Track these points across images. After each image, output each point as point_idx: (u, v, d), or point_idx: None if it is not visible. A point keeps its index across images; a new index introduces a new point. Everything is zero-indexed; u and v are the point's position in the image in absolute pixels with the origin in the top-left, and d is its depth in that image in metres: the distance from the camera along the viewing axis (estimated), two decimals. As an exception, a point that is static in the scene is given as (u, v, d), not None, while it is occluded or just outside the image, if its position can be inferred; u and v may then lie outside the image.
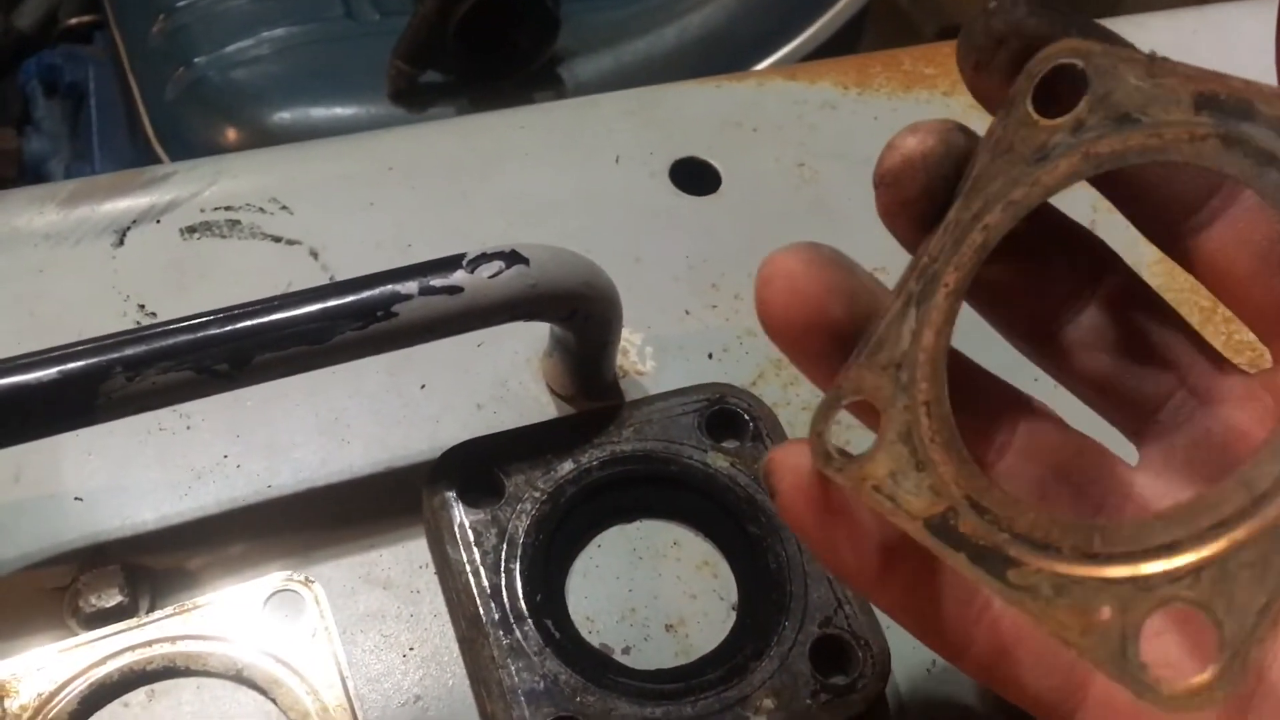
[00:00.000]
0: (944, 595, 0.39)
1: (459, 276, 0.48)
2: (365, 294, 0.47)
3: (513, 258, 0.49)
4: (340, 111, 1.27)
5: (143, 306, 0.58)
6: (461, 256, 0.49)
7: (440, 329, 0.49)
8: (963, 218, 0.36)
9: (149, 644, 0.48)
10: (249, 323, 0.46)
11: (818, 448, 0.37)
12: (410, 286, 0.48)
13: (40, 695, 0.47)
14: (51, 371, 0.44)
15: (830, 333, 0.38)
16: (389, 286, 0.47)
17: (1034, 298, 0.41)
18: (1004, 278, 0.41)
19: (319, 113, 1.26)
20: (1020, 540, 0.34)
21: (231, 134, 1.22)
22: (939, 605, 0.39)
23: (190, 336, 0.45)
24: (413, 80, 1.20)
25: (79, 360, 0.44)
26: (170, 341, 0.45)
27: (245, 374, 0.46)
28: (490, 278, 0.48)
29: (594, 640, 0.51)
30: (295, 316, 0.46)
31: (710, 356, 0.61)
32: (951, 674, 0.53)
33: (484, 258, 0.49)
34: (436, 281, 0.48)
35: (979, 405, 0.40)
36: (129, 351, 0.44)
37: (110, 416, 0.45)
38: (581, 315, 0.52)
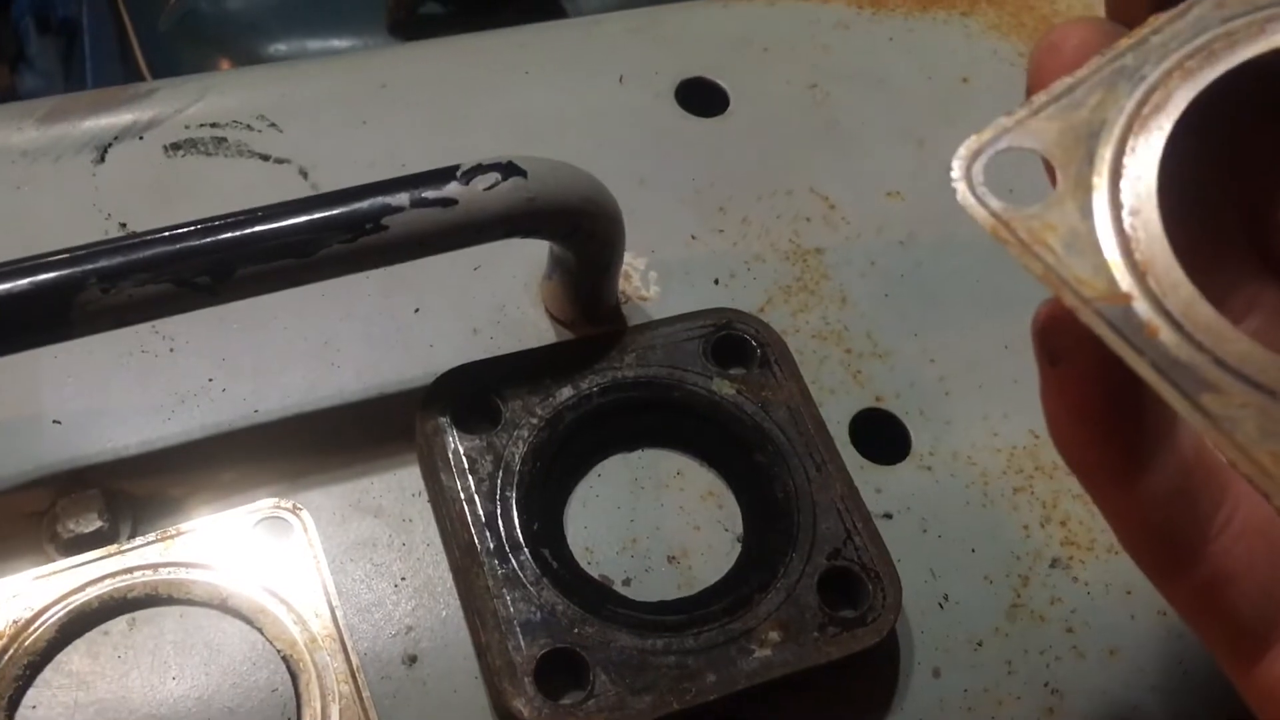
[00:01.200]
0: (1192, 500, 0.33)
1: (453, 188, 0.46)
2: (354, 205, 0.45)
3: (510, 169, 0.46)
4: (336, 43, 1.24)
5: (124, 225, 0.56)
6: (455, 168, 0.46)
7: (432, 243, 0.46)
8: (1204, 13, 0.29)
9: (130, 571, 0.46)
10: (231, 234, 0.44)
11: (966, 186, 0.30)
12: (401, 198, 0.45)
13: (15, 623, 0.45)
14: (23, 283, 0.41)
15: None
16: (379, 198, 0.45)
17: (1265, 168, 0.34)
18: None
19: (315, 44, 1.23)
20: (1226, 370, 0.27)
21: (225, 65, 1.19)
22: (1178, 511, 0.33)
23: (169, 248, 0.43)
24: (411, 10, 1.17)
25: (52, 271, 0.42)
26: (148, 253, 0.43)
27: (227, 288, 0.44)
28: (486, 190, 0.46)
29: (593, 571, 0.49)
30: (280, 228, 0.44)
31: (716, 282, 0.58)
32: (964, 610, 0.51)
33: (479, 169, 0.46)
34: (429, 193, 0.45)
35: (1218, 259, 0.33)
36: (104, 263, 0.42)
37: (86, 331, 0.42)
38: (583, 233, 0.49)
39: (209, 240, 0.43)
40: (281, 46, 1.23)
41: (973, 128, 0.68)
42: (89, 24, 1.49)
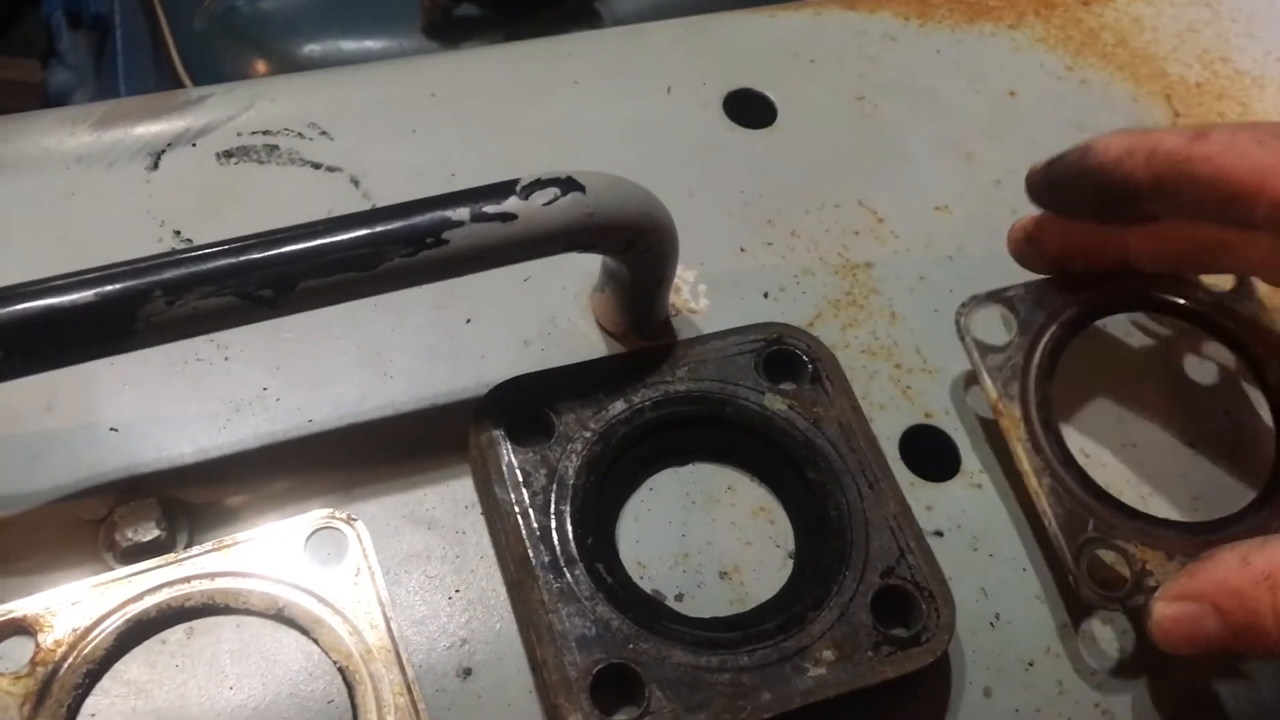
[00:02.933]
0: None
1: (512, 203, 0.46)
2: (415, 219, 0.45)
3: (569, 184, 0.46)
4: (371, 44, 1.24)
5: (178, 232, 0.56)
6: (515, 182, 0.46)
7: (492, 258, 0.46)
8: None
9: (187, 580, 0.46)
10: (294, 247, 0.44)
11: None
12: (462, 213, 0.45)
13: (75, 631, 0.45)
14: (88, 294, 0.41)
15: None
16: (440, 212, 0.45)
17: None
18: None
19: (350, 45, 1.23)
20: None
21: (261, 65, 1.19)
22: None
23: (233, 260, 0.43)
24: (447, 13, 1.17)
25: (118, 282, 0.42)
26: (212, 265, 0.43)
27: (289, 301, 0.44)
28: (545, 205, 0.46)
29: (646, 586, 0.49)
30: (342, 241, 0.44)
31: (766, 295, 0.58)
32: (1016, 630, 0.51)
33: (538, 184, 0.46)
34: (489, 208, 0.45)
35: None
36: (169, 274, 0.42)
37: (149, 342, 0.43)
38: (639, 247, 0.49)
39: (272, 253, 0.43)
40: (316, 47, 1.23)
41: (1020, 142, 0.68)
42: (121, 20, 1.49)
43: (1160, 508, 0.54)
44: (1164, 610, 0.46)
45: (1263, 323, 0.55)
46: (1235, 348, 0.56)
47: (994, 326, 0.55)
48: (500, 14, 1.17)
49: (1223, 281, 0.56)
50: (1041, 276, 0.56)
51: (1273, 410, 0.55)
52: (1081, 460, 0.52)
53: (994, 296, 0.55)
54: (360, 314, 0.53)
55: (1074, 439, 0.55)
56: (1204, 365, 0.58)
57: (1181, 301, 0.56)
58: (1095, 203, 0.52)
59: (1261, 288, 0.56)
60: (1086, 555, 0.50)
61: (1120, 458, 0.55)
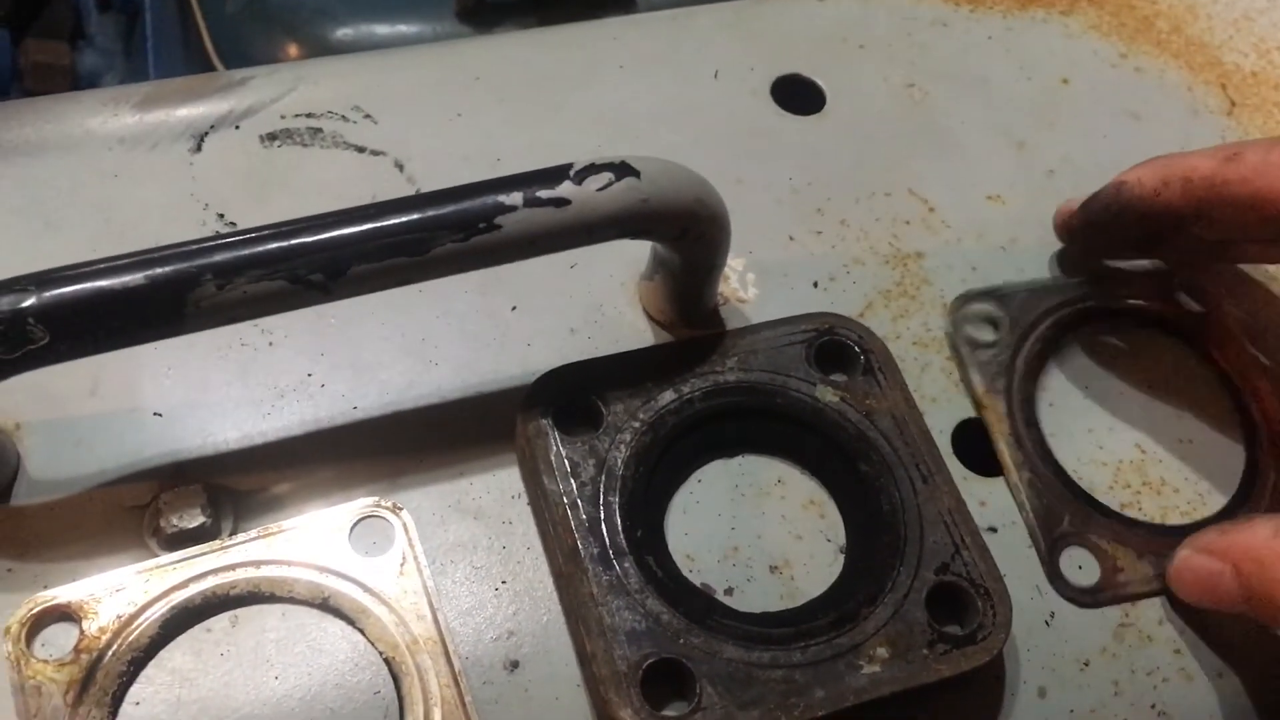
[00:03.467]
0: None
1: (566, 188, 0.45)
2: (467, 204, 0.44)
3: (623, 170, 0.45)
4: (405, 29, 1.23)
5: (222, 215, 0.55)
6: (568, 167, 0.45)
7: (545, 244, 0.45)
8: None
9: (232, 568, 0.46)
10: (345, 230, 0.43)
11: None
12: (515, 197, 0.44)
13: (120, 618, 0.44)
14: (138, 276, 0.41)
15: None
16: (492, 197, 0.44)
17: None
18: None
19: (383, 29, 1.22)
20: None
21: (293, 49, 1.18)
22: None
23: (284, 244, 0.42)
24: (482, -3, 1.16)
25: (168, 265, 0.41)
26: (263, 248, 0.42)
27: (340, 286, 0.43)
28: (599, 190, 0.45)
29: (695, 579, 0.48)
30: (394, 226, 0.43)
31: (815, 285, 0.57)
32: (1071, 629, 0.50)
33: (592, 169, 0.45)
34: (542, 193, 0.45)
35: None
36: (219, 258, 0.41)
37: (199, 326, 0.42)
38: (692, 235, 0.48)
39: (323, 237, 0.43)
40: (349, 31, 1.23)
41: (1074, 131, 0.67)
42: (151, 3, 1.48)
43: (1133, 509, 0.53)
44: (1187, 559, 0.48)
45: (1237, 341, 0.57)
46: (1210, 362, 0.58)
47: (985, 323, 0.56)
48: (534, -1, 1.16)
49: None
50: (1034, 279, 0.59)
51: (1242, 423, 0.56)
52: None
53: (986, 295, 0.57)
54: (405, 301, 0.52)
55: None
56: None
57: (1162, 314, 0.58)
58: (1137, 237, 0.54)
59: (1237, 309, 0.58)
60: (1060, 549, 0.51)
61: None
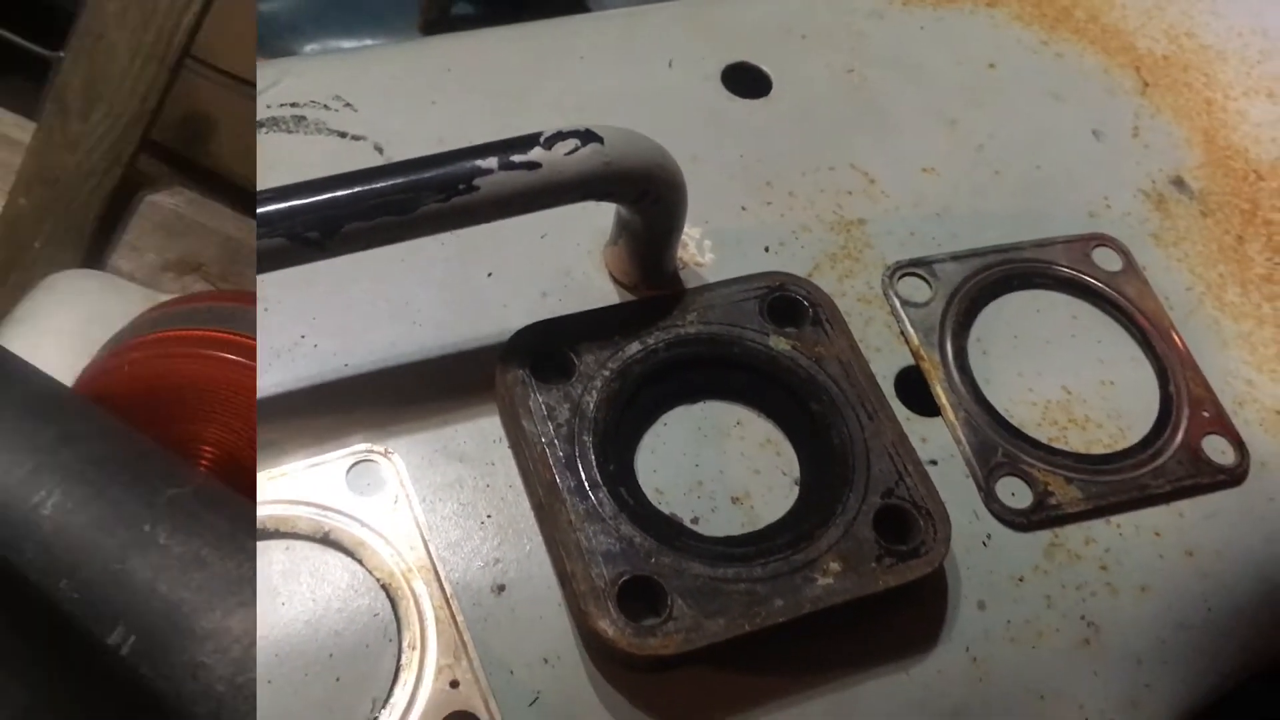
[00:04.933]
0: None
1: (537, 153, 0.50)
2: (447, 168, 0.49)
3: (588, 136, 0.50)
4: (370, 43, 1.28)
5: (216, 196, 0.59)
6: (539, 134, 0.50)
7: (518, 204, 0.50)
8: None
9: (239, 507, 0.50)
10: (338, 193, 0.47)
11: None
12: (490, 161, 0.49)
13: (136, 553, 0.48)
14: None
15: None
16: (470, 161, 0.49)
17: None
18: None
19: (349, 44, 1.27)
20: None
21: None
22: None
23: (281, 205, 0.47)
24: (445, 11, 1.21)
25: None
26: (263, 210, 0.46)
27: (334, 243, 0.47)
28: (567, 155, 0.50)
29: (664, 510, 0.53)
30: (382, 188, 0.48)
31: (767, 249, 0.62)
32: (1006, 549, 0.55)
33: (560, 135, 0.50)
34: (516, 157, 0.49)
35: None
36: (224, 217, 0.46)
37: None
38: (651, 197, 0.53)
39: (318, 198, 0.47)
40: (316, 47, 1.27)
41: (1000, 111, 0.72)
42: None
43: (1060, 442, 0.58)
44: None
45: (1146, 295, 0.64)
46: (1124, 315, 0.63)
47: (918, 287, 0.62)
48: (494, 11, 1.21)
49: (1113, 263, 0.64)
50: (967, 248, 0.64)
51: (1156, 370, 0.61)
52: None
53: (917, 263, 0.62)
54: (389, 269, 0.57)
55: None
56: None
57: (1081, 277, 0.64)
58: None
59: (1145, 266, 0.64)
60: (996, 478, 0.56)
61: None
